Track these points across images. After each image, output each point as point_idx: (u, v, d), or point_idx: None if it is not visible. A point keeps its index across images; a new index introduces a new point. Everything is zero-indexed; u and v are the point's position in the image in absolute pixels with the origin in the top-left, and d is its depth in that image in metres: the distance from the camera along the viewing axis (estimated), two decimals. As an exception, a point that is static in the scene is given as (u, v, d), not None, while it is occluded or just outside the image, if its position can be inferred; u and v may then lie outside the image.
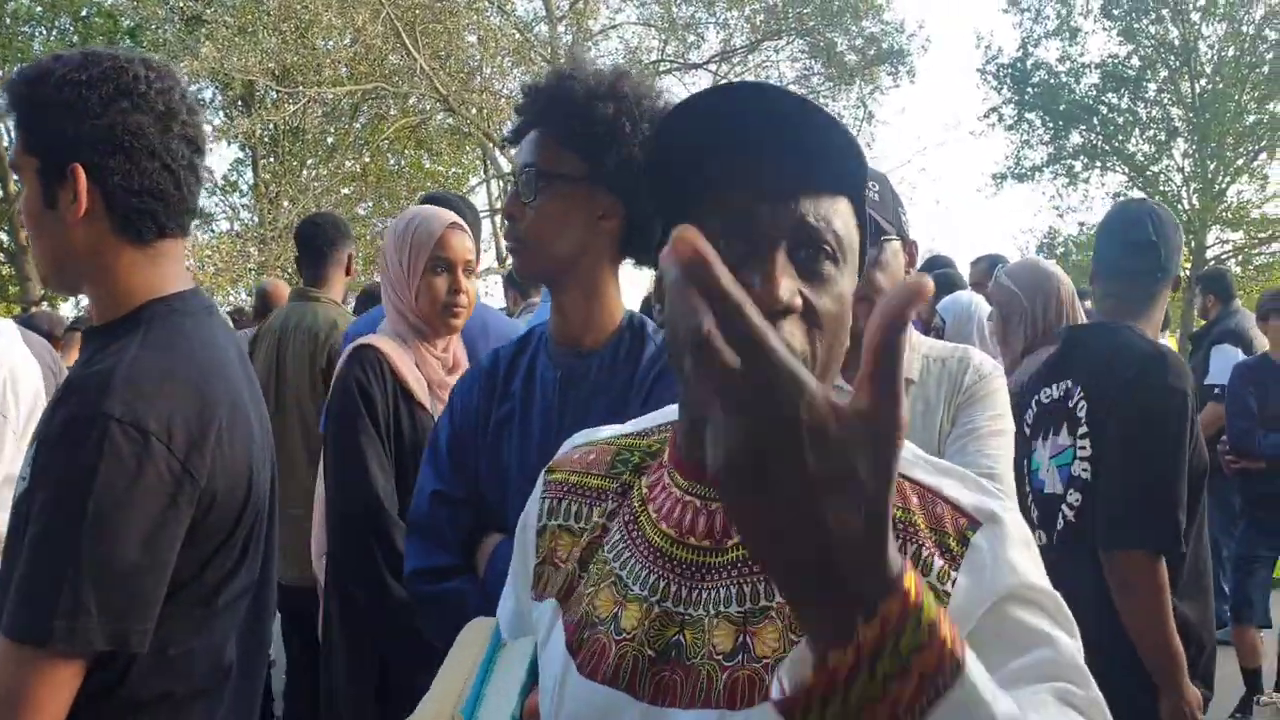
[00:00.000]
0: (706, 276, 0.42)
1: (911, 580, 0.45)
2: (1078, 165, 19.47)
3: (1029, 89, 19.10)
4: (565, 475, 0.88)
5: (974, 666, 0.46)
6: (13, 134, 1.24)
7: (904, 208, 1.62)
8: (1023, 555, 0.69)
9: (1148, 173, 18.72)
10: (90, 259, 1.20)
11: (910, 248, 1.60)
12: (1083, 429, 1.91)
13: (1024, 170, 19.70)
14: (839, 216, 0.72)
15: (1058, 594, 0.69)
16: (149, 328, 1.19)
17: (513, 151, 1.45)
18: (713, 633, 0.72)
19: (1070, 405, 1.97)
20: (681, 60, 17.11)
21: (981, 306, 3.69)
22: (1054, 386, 2.04)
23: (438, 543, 1.38)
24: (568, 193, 1.34)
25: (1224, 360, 4.42)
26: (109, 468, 1.07)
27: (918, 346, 1.70)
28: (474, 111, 14.39)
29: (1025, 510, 2.00)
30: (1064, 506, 1.93)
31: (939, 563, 0.68)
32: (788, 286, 0.69)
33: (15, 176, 1.28)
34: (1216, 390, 4.36)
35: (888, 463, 0.44)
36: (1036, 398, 2.08)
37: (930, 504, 0.71)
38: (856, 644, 0.43)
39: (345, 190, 16.33)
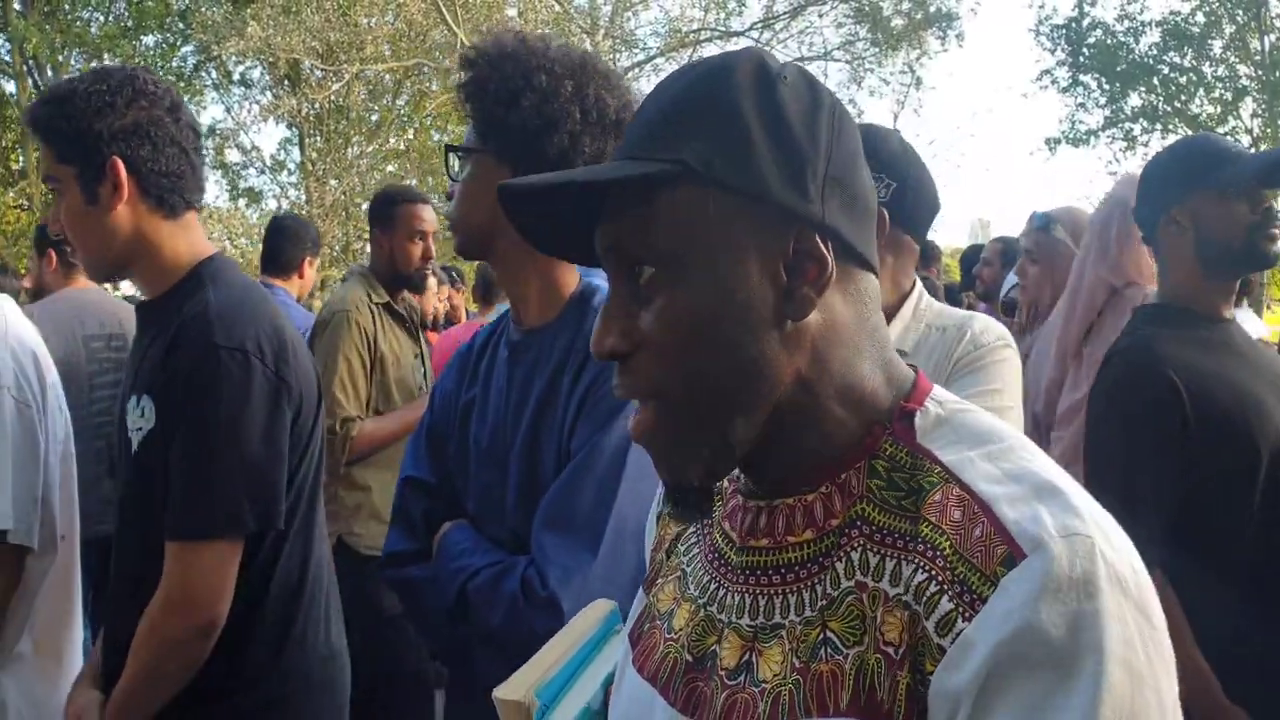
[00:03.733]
0: None
1: None
2: (1137, 128, 18.79)
3: (1085, 49, 18.44)
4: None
5: None
6: (42, 153, 1.46)
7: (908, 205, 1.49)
8: (1091, 615, 0.51)
9: (1213, 135, 17.99)
10: (135, 239, 1.42)
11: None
12: None
13: (1079, 134, 19.08)
14: (655, 220, 0.63)
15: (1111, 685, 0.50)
16: (213, 280, 1.44)
17: None
18: (723, 644, 0.66)
19: None
20: (724, 29, 16.89)
21: None
22: None
23: (405, 528, 1.39)
24: (475, 166, 1.32)
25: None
26: (227, 384, 1.34)
27: (923, 314, 1.56)
28: (515, 85, 14.40)
29: None
30: None
31: (945, 606, 0.54)
32: (600, 334, 0.65)
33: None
34: None
35: None
36: None
37: (972, 521, 0.56)
38: None
39: (390, 167, 16.51)
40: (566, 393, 1.29)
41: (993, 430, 0.62)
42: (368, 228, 3.18)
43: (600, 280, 1.39)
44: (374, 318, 2.73)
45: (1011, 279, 3.50)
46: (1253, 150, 1.80)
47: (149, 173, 1.41)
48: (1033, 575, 0.52)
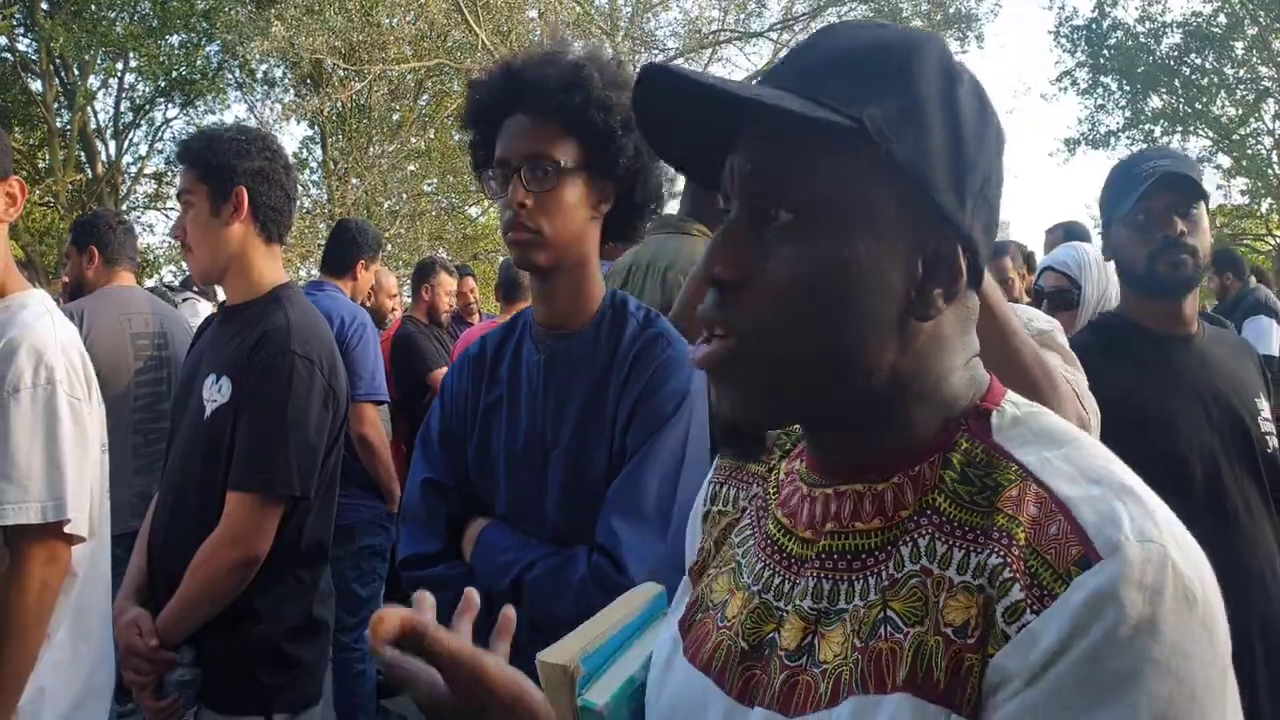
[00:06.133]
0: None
1: None
2: (1157, 130, 18.65)
3: (1105, 51, 18.33)
4: (731, 460, 0.85)
5: None
6: (184, 174, 1.86)
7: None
8: (1152, 623, 0.51)
9: (1234, 136, 17.85)
10: (238, 253, 1.83)
11: None
12: None
13: (1099, 136, 18.98)
14: (813, 168, 0.62)
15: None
16: (289, 303, 1.83)
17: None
18: (783, 627, 0.66)
19: None
20: (742, 30, 16.91)
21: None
22: None
23: (428, 530, 1.40)
24: (576, 182, 1.35)
25: (1259, 329, 4.37)
26: (297, 381, 1.74)
27: None
28: (535, 86, 14.46)
29: None
30: None
31: (1016, 594, 0.55)
32: (712, 259, 0.67)
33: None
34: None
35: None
36: None
37: (1049, 518, 0.57)
38: None
39: (411, 167, 16.62)
40: (616, 394, 1.34)
41: (1067, 432, 0.63)
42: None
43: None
44: None
45: None
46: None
47: (261, 205, 1.83)
48: (1106, 579, 0.52)
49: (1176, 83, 18.12)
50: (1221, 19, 17.67)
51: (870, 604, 0.62)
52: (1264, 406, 1.84)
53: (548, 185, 1.33)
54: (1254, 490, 1.75)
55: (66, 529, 1.61)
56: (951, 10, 16.20)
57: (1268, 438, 1.80)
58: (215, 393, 1.77)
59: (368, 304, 4.23)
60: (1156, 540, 0.53)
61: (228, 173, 1.80)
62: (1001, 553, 0.57)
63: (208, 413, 1.76)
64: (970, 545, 0.59)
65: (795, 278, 0.61)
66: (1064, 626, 0.52)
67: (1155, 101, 18.60)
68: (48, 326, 1.67)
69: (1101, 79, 18.75)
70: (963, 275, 0.63)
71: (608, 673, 0.85)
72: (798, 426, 0.76)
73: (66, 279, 3.51)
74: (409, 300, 4.74)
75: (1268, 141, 17.80)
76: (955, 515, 0.61)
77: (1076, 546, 0.54)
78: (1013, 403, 0.66)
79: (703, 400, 1.35)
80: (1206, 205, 1.80)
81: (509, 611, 0.79)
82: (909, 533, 0.62)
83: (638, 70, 0.64)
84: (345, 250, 3.62)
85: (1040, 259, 3.91)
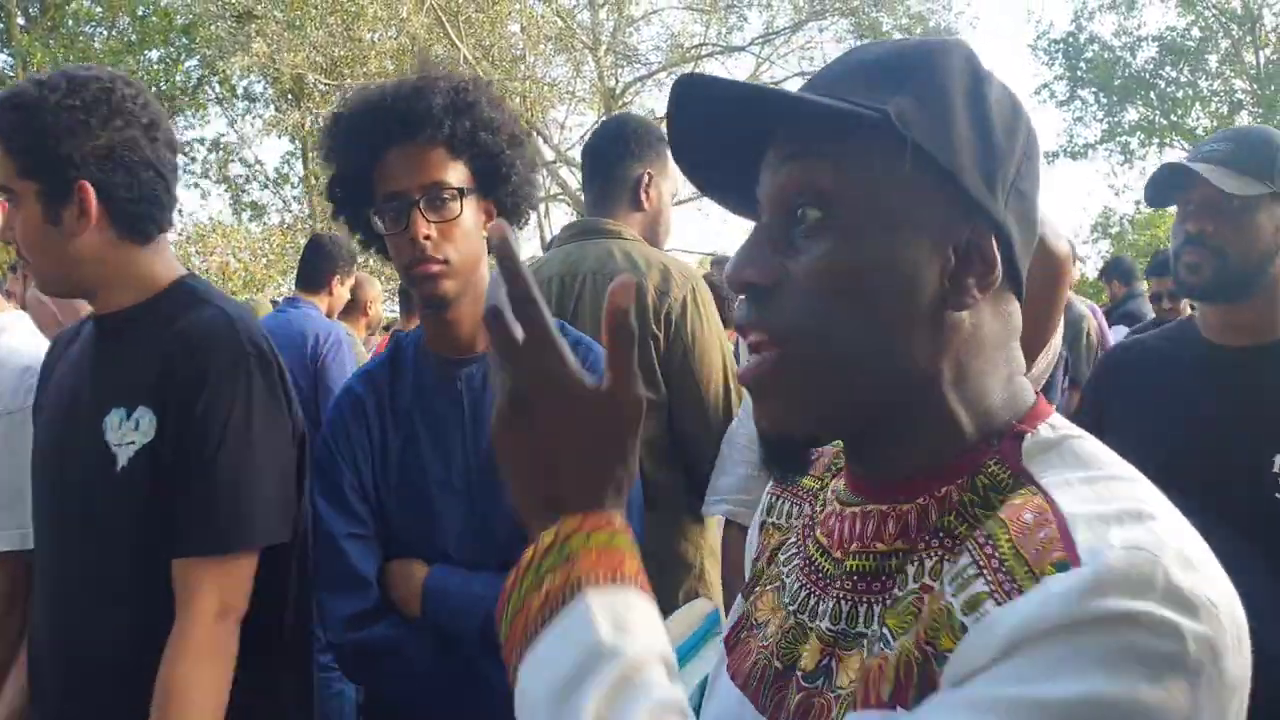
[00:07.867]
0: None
1: (605, 519, 0.58)
2: (1134, 142, 18.91)
3: (1082, 64, 18.59)
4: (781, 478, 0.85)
5: (602, 600, 0.55)
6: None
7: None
8: (1131, 616, 0.48)
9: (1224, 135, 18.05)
10: (98, 265, 1.31)
11: None
12: None
13: (1077, 148, 19.21)
14: (840, 165, 0.62)
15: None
16: (208, 294, 1.36)
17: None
18: (805, 647, 0.65)
19: None
20: (724, 44, 17.01)
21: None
22: None
23: (359, 587, 1.33)
24: (470, 204, 1.34)
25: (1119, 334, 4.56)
26: (258, 392, 1.28)
27: None
28: (518, 100, 14.50)
29: None
30: None
31: (980, 586, 0.53)
32: (741, 264, 0.66)
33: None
34: None
35: (620, 430, 0.60)
36: None
37: (1041, 526, 0.54)
38: (533, 545, 0.58)
39: (392, 180, 16.56)
40: None
41: (1099, 457, 0.60)
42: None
43: None
44: None
45: None
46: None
47: (121, 199, 1.29)
48: (1079, 576, 0.49)
49: (1152, 95, 18.39)
50: (1195, 33, 17.96)
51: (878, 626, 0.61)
52: None
53: (450, 214, 1.31)
54: (1241, 536, 1.45)
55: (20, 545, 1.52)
56: (931, 24, 16.36)
57: None
58: (130, 431, 1.28)
59: (369, 311, 4.21)
60: (1147, 548, 0.50)
61: (61, 164, 1.26)
62: (976, 555, 0.55)
63: (121, 461, 1.27)
64: (962, 549, 0.58)
65: (826, 274, 0.60)
66: (1029, 614, 0.49)
67: (1132, 114, 18.86)
68: (19, 349, 1.62)
69: (1079, 92, 19.01)
70: (997, 264, 0.61)
71: None
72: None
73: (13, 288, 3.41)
74: (390, 313, 4.71)
75: (1242, 153, 18.04)
76: (961, 531, 0.59)
77: (1060, 552, 0.51)
78: (1051, 425, 0.63)
79: None
80: (1242, 200, 1.48)
81: None
82: (918, 552, 0.61)
83: (673, 83, 0.63)
84: (319, 265, 3.57)
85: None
